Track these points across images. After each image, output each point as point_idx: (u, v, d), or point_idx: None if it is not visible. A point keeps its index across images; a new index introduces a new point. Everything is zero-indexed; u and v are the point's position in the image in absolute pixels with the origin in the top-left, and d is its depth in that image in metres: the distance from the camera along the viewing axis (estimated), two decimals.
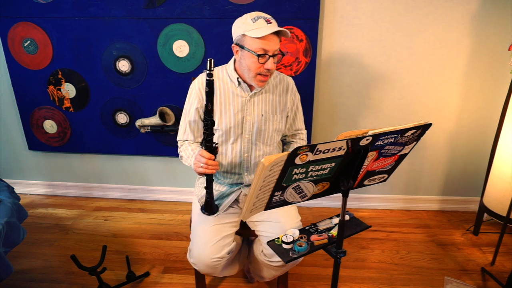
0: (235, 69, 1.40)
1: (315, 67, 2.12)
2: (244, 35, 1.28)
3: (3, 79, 2.37)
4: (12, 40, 2.23)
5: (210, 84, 1.18)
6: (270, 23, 1.28)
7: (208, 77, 1.17)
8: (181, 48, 2.15)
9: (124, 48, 2.18)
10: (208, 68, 1.16)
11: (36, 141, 2.49)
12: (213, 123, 1.24)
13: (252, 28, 1.26)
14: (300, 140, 1.61)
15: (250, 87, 1.41)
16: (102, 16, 2.12)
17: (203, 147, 1.27)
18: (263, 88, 1.42)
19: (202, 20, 2.07)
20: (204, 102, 1.22)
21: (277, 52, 1.30)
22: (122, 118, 2.35)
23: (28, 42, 2.22)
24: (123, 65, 2.22)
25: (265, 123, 1.43)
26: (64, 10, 2.13)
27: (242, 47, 1.30)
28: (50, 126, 2.43)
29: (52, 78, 2.29)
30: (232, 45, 1.36)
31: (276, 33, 1.29)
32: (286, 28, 2.06)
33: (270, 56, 1.28)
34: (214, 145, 1.27)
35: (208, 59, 1.16)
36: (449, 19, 2.01)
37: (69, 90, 2.31)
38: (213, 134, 1.26)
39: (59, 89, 2.32)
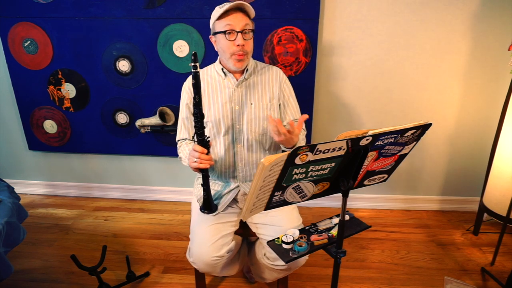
0: (220, 62, 1.45)
1: (315, 67, 2.12)
2: (214, 22, 1.36)
3: (3, 79, 2.37)
4: (12, 40, 2.23)
5: (195, 76, 1.19)
6: (236, 4, 1.32)
7: (193, 69, 1.18)
8: (181, 48, 2.15)
9: (124, 48, 2.18)
10: (192, 61, 1.17)
11: (36, 141, 2.49)
12: (202, 116, 1.25)
13: (218, 13, 1.32)
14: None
15: (236, 76, 1.44)
16: (102, 16, 2.12)
17: (195, 141, 1.28)
18: (250, 77, 1.45)
19: (202, 20, 2.07)
20: (192, 96, 1.23)
21: (246, 28, 1.33)
22: (122, 118, 2.35)
23: (28, 42, 2.22)
24: (123, 65, 2.22)
25: (254, 111, 1.43)
26: (64, 10, 2.13)
27: (214, 34, 1.38)
28: (50, 126, 2.43)
29: (52, 78, 2.29)
30: (209, 36, 1.43)
31: (240, 11, 1.33)
32: (286, 28, 2.10)
33: (238, 32, 1.31)
34: (205, 138, 1.27)
35: (192, 52, 1.18)
36: (449, 19, 2.01)
37: (69, 90, 2.31)
38: (204, 127, 1.27)
39: (59, 89, 2.32)
